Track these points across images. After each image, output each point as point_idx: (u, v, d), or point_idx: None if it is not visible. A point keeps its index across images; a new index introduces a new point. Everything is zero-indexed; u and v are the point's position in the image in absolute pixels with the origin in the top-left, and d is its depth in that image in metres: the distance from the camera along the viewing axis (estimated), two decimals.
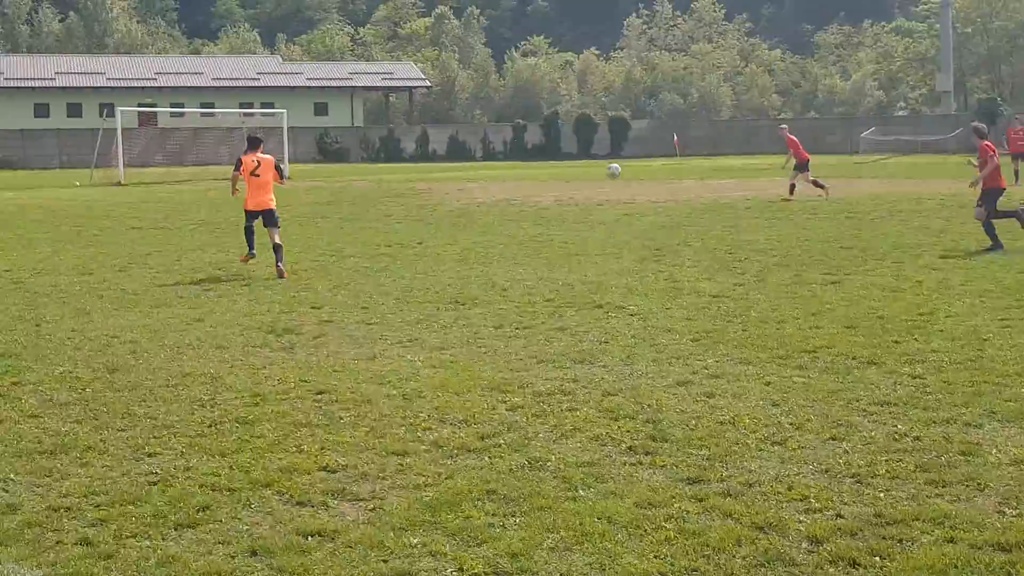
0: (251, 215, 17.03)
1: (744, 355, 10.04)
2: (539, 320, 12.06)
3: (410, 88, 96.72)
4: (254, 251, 16.91)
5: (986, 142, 18.96)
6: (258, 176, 16.95)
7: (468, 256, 18.16)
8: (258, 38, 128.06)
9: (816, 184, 29.31)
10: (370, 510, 6.30)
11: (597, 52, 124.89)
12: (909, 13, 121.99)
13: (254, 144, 17.49)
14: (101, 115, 66.00)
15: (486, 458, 7.17)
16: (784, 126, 34.11)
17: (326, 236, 21.83)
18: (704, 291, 13.88)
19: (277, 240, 16.52)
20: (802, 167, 29.89)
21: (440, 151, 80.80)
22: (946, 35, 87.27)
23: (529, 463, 7.04)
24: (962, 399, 8.33)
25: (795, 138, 30.85)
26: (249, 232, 16.93)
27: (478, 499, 6.39)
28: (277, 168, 17.44)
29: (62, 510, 6.28)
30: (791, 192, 29.04)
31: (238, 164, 17.31)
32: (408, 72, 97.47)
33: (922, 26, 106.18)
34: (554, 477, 6.77)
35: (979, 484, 6.47)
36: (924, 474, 6.67)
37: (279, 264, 16.14)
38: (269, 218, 16.84)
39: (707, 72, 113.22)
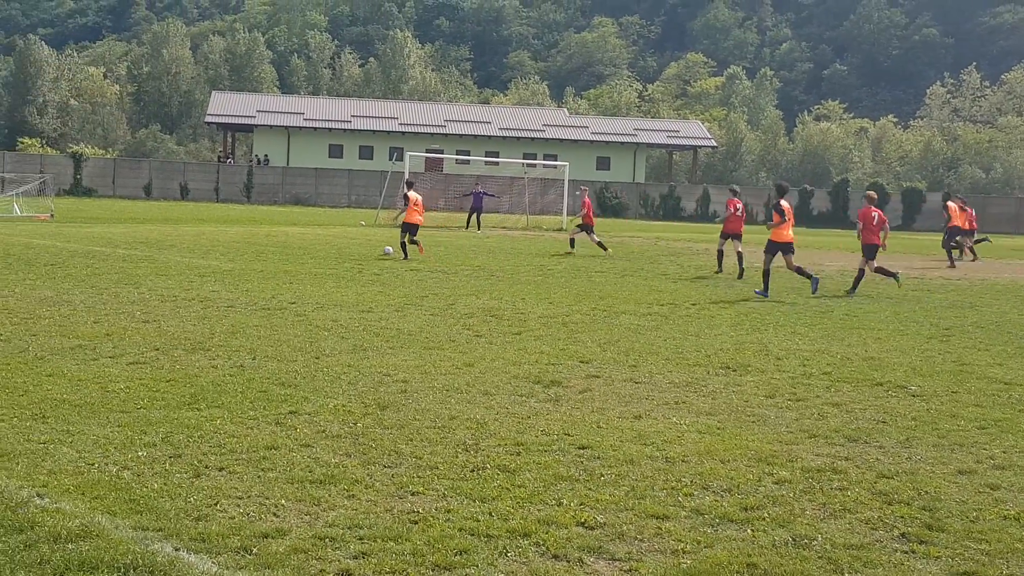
0: (411, 227, 28.43)
1: None
2: (813, 393, 11.67)
3: (695, 147, 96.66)
4: (407, 256, 28.01)
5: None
6: (416, 207, 28.63)
7: (743, 321, 17.84)
8: (547, 90, 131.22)
9: (601, 245, 33.67)
10: (625, 571, 6.20)
11: (895, 120, 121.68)
12: None
13: (410, 186, 29.58)
14: (391, 158, 68.93)
15: (748, 530, 6.95)
16: (584, 188, 38.72)
17: (599, 290, 21.90)
18: (995, 377, 13.12)
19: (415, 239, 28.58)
20: (588, 229, 34.41)
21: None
22: None
23: (794, 540, 6.79)
24: None
25: (590, 201, 35.78)
26: (404, 245, 28.33)
27: (738, 572, 6.20)
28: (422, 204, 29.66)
29: (327, 539, 6.45)
30: (571, 246, 34.23)
31: (406, 198, 29.07)
32: (694, 131, 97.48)
33: None
34: (819, 557, 6.50)
35: None
36: None
37: (420, 245, 28.48)
38: (416, 231, 28.60)
39: (1014, 146, 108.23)
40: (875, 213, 23.61)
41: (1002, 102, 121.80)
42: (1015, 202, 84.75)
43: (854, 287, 23.15)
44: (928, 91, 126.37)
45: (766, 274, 22.26)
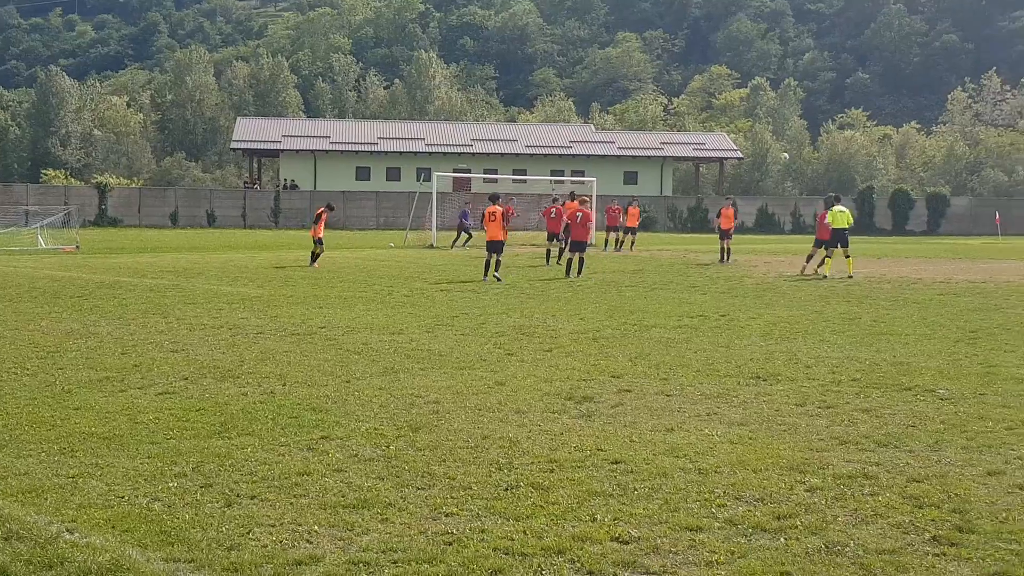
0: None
1: None
2: (843, 400, 11.67)
3: (721, 159, 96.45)
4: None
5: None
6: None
7: (772, 331, 17.81)
8: (572, 107, 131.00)
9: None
10: None
11: (918, 126, 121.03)
12: None
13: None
14: (418, 179, 68.94)
15: (782, 539, 6.97)
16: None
17: (629, 305, 21.91)
18: (1022, 378, 13.08)
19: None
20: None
21: (748, 223, 79.92)
22: None
23: (826, 547, 6.80)
24: None
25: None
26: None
27: None
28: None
29: (361, 564, 6.48)
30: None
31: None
32: (720, 143, 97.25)
33: None
34: (852, 563, 6.52)
35: None
36: None
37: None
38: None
39: None
40: (580, 212, 29.68)
41: (1023, 105, 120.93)
42: None
43: (579, 271, 28.74)
44: (950, 96, 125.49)
45: (487, 265, 27.93)
